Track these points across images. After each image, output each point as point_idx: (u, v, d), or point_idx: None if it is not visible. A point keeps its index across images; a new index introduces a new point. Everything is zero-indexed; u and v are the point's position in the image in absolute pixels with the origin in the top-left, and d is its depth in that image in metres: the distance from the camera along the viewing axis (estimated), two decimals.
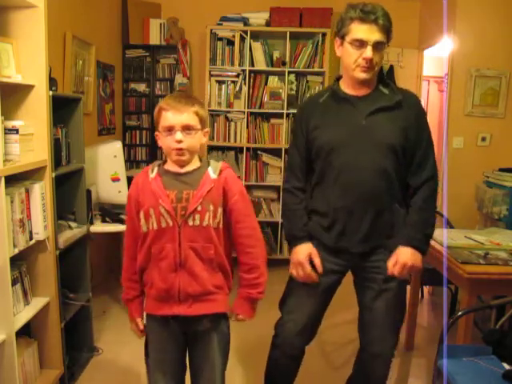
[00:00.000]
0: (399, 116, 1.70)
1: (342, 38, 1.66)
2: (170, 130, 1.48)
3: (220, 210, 1.53)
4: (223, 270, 1.57)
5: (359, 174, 1.68)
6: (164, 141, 1.51)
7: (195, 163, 1.56)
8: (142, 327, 1.63)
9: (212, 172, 1.54)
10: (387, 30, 1.62)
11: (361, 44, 1.61)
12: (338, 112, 1.74)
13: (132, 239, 1.59)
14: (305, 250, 1.75)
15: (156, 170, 1.55)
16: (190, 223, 1.49)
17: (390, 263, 1.70)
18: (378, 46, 1.61)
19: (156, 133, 1.56)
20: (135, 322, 1.64)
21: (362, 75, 1.66)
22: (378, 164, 1.68)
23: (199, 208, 1.48)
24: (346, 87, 1.75)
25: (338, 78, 1.81)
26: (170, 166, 1.56)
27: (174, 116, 1.47)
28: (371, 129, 1.68)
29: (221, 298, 1.57)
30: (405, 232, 1.73)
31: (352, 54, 1.64)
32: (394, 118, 1.69)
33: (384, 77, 1.79)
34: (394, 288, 1.76)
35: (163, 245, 1.50)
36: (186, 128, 1.48)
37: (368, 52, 1.60)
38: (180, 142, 1.47)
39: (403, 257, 1.69)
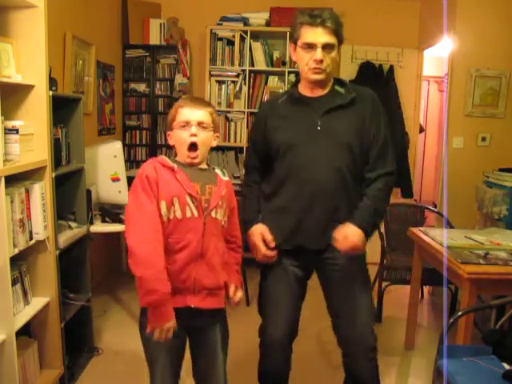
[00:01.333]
0: (354, 113, 1.75)
1: (295, 42, 1.74)
2: (186, 124, 1.55)
3: (227, 209, 1.63)
4: (230, 267, 1.67)
5: (314, 172, 1.72)
6: (178, 135, 1.56)
7: (205, 165, 1.63)
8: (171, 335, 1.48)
9: (221, 174, 1.64)
10: (336, 33, 1.68)
11: (310, 47, 1.68)
12: (295, 113, 1.79)
13: (158, 222, 1.48)
14: (257, 230, 1.80)
15: (172, 162, 1.56)
16: (213, 215, 1.55)
17: (340, 236, 1.69)
18: (327, 48, 1.67)
19: (168, 132, 1.62)
20: (171, 325, 1.46)
21: (315, 77, 1.72)
22: (333, 162, 1.72)
23: (220, 203, 1.57)
24: (302, 89, 1.82)
25: (296, 83, 1.88)
26: (183, 161, 1.59)
27: (190, 111, 1.55)
28: (326, 128, 1.73)
29: (224, 293, 1.63)
30: (357, 213, 1.73)
31: (304, 57, 1.71)
32: (349, 115, 1.74)
33: (340, 78, 1.86)
34: (358, 283, 1.80)
35: (184, 235, 1.51)
36: (201, 124, 1.55)
37: (318, 54, 1.67)
38: (195, 135, 1.54)
39: (353, 235, 1.69)
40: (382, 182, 1.76)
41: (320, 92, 1.78)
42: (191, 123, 1.55)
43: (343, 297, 1.81)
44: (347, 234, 1.69)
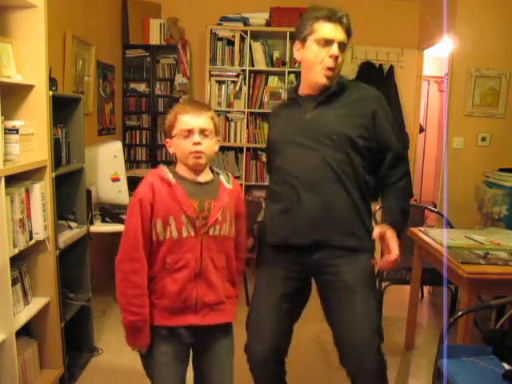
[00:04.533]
0: (348, 104, 1.66)
1: (304, 39, 1.65)
2: (188, 132, 1.48)
3: (233, 219, 1.57)
4: (231, 278, 1.62)
5: (300, 165, 1.64)
6: (180, 145, 1.49)
7: (208, 172, 1.57)
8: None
9: (226, 182, 1.57)
10: (349, 32, 1.64)
11: (327, 42, 1.60)
12: (287, 112, 1.79)
13: (145, 249, 1.47)
14: None
15: (172, 175, 1.50)
16: (211, 233, 1.50)
17: (377, 232, 1.60)
18: (341, 47, 1.62)
19: (167, 140, 1.55)
20: (145, 347, 1.51)
21: (323, 80, 1.63)
22: (320, 157, 1.61)
23: (220, 218, 1.50)
24: (303, 91, 1.74)
25: (299, 84, 1.79)
26: (185, 173, 1.52)
27: (192, 119, 1.48)
28: (315, 121, 1.65)
29: (231, 307, 1.60)
30: (389, 214, 1.69)
31: (318, 53, 1.61)
32: (341, 106, 1.65)
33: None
34: (360, 298, 1.63)
35: (182, 255, 1.47)
36: (204, 131, 1.49)
37: (334, 48, 1.59)
38: (199, 144, 1.47)
39: (395, 241, 1.59)
40: (405, 182, 1.76)
41: (318, 91, 1.69)
42: (194, 131, 1.48)
43: (344, 312, 1.65)
44: (388, 235, 1.59)
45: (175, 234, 1.46)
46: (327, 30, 1.60)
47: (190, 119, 1.48)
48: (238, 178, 4.28)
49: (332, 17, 1.60)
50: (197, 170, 1.52)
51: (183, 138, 1.48)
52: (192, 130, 1.47)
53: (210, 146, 1.51)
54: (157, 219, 1.46)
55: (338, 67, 1.64)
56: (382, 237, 1.61)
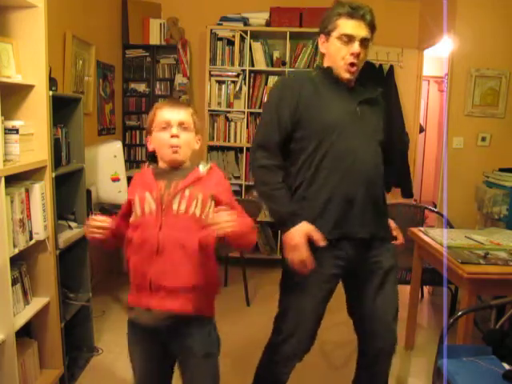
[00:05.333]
0: (380, 109, 1.80)
1: (328, 34, 1.68)
2: (166, 125, 1.48)
3: (210, 201, 1.47)
4: (207, 269, 1.49)
5: (360, 159, 1.66)
6: (158, 138, 1.50)
7: (187, 166, 1.54)
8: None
9: (201, 168, 1.51)
10: (372, 27, 1.66)
11: (349, 39, 1.63)
12: (336, 93, 1.70)
13: (123, 222, 1.55)
14: (301, 230, 1.60)
15: (152, 167, 1.56)
16: (175, 207, 1.44)
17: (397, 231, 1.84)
18: (364, 43, 1.64)
19: (147, 137, 1.55)
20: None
21: (348, 75, 1.68)
22: (373, 151, 1.71)
23: (187, 193, 1.44)
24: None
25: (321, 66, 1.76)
26: (163, 166, 1.55)
27: (170, 112, 1.49)
28: (363, 117, 1.71)
29: (200, 298, 1.47)
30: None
31: (340, 49, 1.65)
32: (377, 110, 1.78)
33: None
34: (392, 280, 1.79)
35: (142, 232, 1.46)
36: (182, 124, 1.49)
37: (356, 47, 1.63)
38: (176, 136, 1.47)
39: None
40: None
41: (349, 83, 1.73)
42: (171, 123, 1.48)
43: (380, 294, 1.76)
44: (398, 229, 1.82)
45: (138, 211, 1.48)
46: (349, 27, 1.62)
47: (168, 113, 1.49)
48: (237, 177, 4.29)
49: (354, 14, 1.62)
50: (174, 165, 1.52)
51: (161, 130, 1.49)
52: (169, 122, 1.48)
53: (189, 140, 1.50)
54: (132, 200, 1.52)
55: (360, 63, 1.67)
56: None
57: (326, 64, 1.74)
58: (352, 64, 1.65)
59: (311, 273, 1.63)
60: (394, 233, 1.83)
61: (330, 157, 1.65)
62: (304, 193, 1.68)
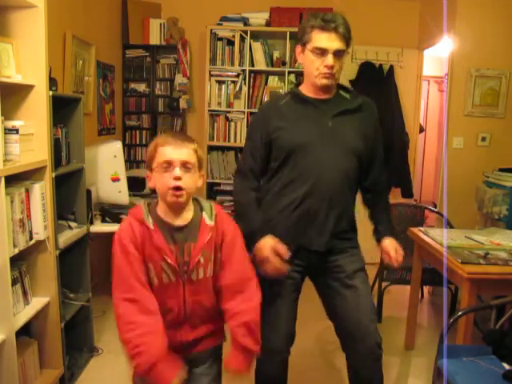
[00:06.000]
0: (360, 120, 1.77)
1: (304, 45, 1.71)
2: (168, 165, 1.36)
3: (218, 257, 1.47)
4: (216, 310, 1.52)
5: (328, 173, 1.71)
6: (159, 179, 1.38)
7: (190, 208, 1.46)
8: None
9: (208, 218, 1.45)
10: (347, 38, 1.67)
11: (322, 52, 1.65)
12: (302, 113, 1.75)
13: (147, 288, 1.38)
14: (268, 244, 1.69)
15: (151, 219, 1.41)
16: (194, 278, 1.42)
17: (392, 252, 1.78)
18: (338, 54, 1.66)
19: (147, 173, 1.44)
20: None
21: (324, 81, 1.70)
22: (343, 165, 1.73)
23: (202, 260, 1.42)
24: (307, 92, 1.78)
25: (297, 85, 1.85)
26: (165, 215, 1.43)
27: (173, 151, 1.36)
28: (337, 130, 1.73)
29: (221, 329, 1.56)
30: (383, 226, 1.87)
31: (314, 62, 1.68)
32: (356, 121, 1.76)
33: (344, 84, 1.86)
34: (359, 281, 1.78)
35: (165, 300, 1.41)
36: (185, 164, 1.37)
37: (329, 59, 1.65)
38: (179, 178, 1.35)
39: (397, 245, 1.80)
40: (386, 195, 1.93)
41: (326, 95, 1.76)
42: (174, 164, 1.36)
43: (348, 297, 1.77)
44: (397, 247, 1.79)
45: (156, 281, 1.40)
46: (322, 39, 1.65)
47: (170, 151, 1.36)
48: None
49: (326, 26, 1.64)
50: (176, 208, 1.42)
51: (163, 170, 1.37)
52: (172, 162, 1.36)
53: (192, 181, 1.39)
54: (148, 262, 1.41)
55: (336, 73, 1.70)
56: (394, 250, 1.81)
57: (304, 73, 1.79)
58: (326, 73, 1.68)
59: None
60: (392, 252, 1.79)
61: (298, 173, 1.72)
62: (269, 207, 1.79)
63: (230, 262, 1.47)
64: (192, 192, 1.41)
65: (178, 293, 1.42)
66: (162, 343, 1.34)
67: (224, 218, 1.50)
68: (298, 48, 1.75)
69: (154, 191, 1.44)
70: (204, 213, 1.46)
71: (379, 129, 1.85)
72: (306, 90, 1.79)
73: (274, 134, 1.75)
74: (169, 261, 1.38)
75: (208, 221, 1.44)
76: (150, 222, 1.39)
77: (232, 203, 4.07)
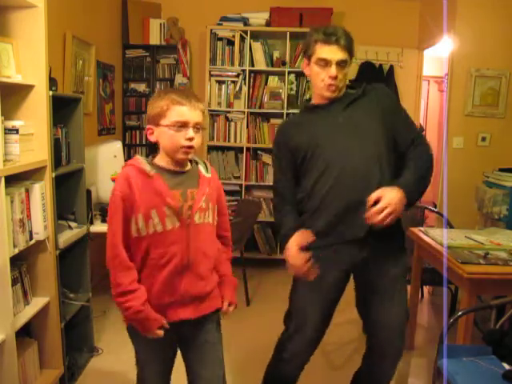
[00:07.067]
0: (368, 102, 1.79)
1: (309, 58, 1.78)
2: (183, 125, 1.41)
3: (216, 207, 1.55)
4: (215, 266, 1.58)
5: (350, 161, 1.70)
6: (171, 137, 1.41)
7: (187, 163, 1.54)
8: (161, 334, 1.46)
9: (204, 171, 1.54)
10: (349, 49, 1.74)
11: (325, 63, 1.72)
12: (312, 119, 1.82)
13: (125, 246, 1.44)
14: (293, 241, 1.71)
15: (150, 166, 1.45)
16: (197, 221, 1.46)
17: (373, 195, 1.57)
18: (341, 64, 1.72)
19: (150, 127, 1.46)
20: (157, 332, 1.45)
21: (329, 94, 1.76)
22: (366, 150, 1.72)
23: (203, 205, 1.47)
24: (316, 101, 1.85)
25: (309, 100, 1.91)
26: (166, 164, 1.48)
27: (189, 112, 1.41)
28: (350, 122, 1.75)
29: (217, 292, 1.57)
30: (401, 178, 1.68)
31: (318, 73, 1.75)
32: (365, 105, 1.78)
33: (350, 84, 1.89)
34: (400, 288, 1.81)
35: (167, 248, 1.42)
36: (197, 125, 1.44)
37: (333, 70, 1.71)
38: (192, 139, 1.42)
39: (390, 195, 1.56)
40: (424, 149, 1.76)
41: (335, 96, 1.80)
42: (190, 124, 1.41)
43: (385, 297, 1.79)
44: (383, 194, 1.56)
45: (159, 228, 1.41)
46: (325, 52, 1.72)
47: (187, 112, 1.41)
48: (237, 178, 4.29)
49: (328, 40, 1.71)
50: (181, 162, 1.49)
51: (175, 129, 1.41)
52: (188, 123, 1.41)
53: (200, 140, 1.47)
54: (138, 214, 1.41)
55: (340, 82, 1.74)
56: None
57: (311, 84, 1.86)
58: (331, 84, 1.73)
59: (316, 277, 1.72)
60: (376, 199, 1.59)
61: (320, 171, 1.74)
62: (306, 208, 1.80)
63: (225, 214, 1.63)
64: (198, 149, 1.48)
65: (181, 237, 1.43)
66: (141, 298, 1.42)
67: (215, 174, 1.61)
68: (305, 61, 1.82)
69: (154, 144, 1.47)
70: (200, 166, 1.55)
71: (393, 100, 1.85)
72: (315, 99, 1.85)
73: (292, 143, 1.81)
74: (171, 203, 1.41)
75: (205, 173, 1.53)
76: (149, 169, 1.44)
77: (233, 203, 4.10)
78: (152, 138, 1.46)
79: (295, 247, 1.69)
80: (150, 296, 1.44)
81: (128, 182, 1.42)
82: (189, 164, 1.54)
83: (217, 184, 1.58)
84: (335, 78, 1.71)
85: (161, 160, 1.50)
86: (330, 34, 1.71)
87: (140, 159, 1.47)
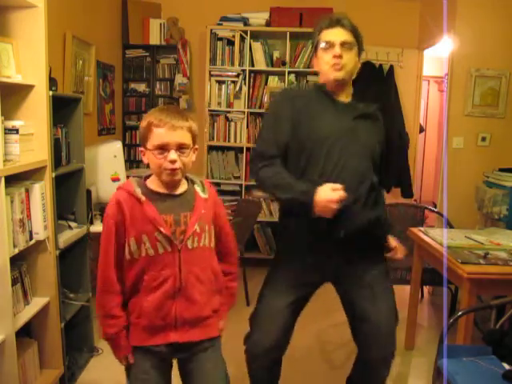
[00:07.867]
0: (376, 127, 1.82)
1: (316, 49, 1.77)
2: (163, 148, 1.36)
3: (212, 228, 1.51)
4: (219, 289, 1.54)
5: (354, 163, 1.71)
6: (154, 160, 1.38)
7: (183, 182, 1.49)
8: (132, 362, 1.47)
9: (201, 191, 1.49)
10: (354, 33, 1.72)
11: (329, 45, 1.71)
12: (326, 109, 1.75)
13: (115, 270, 1.43)
14: (325, 189, 1.59)
15: (141, 190, 1.42)
16: (190, 246, 1.42)
17: (395, 243, 1.83)
18: (345, 46, 1.70)
19: (141, 149, 1.43)
20: (125, 359, 1.48)
21: (335, 74, 1.71)
22: (363, 165, 1.73)
23: (197, 229, 1.43)
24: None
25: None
26: (158, 187, 1.45)
27: (167, 133, 1.35)
28: (357, 131, 1.74)
29: (215, 321, 1.53)
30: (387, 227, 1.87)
31: (324, 57, 1.73)
32: (371, 127, 1.80)
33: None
34: (385, 288, 1.80)
35: (159, 272, 1.40)
36: (181, 147, 1.37)
37: (336, 49, 1.69)
38: (174, 161, 1.36)
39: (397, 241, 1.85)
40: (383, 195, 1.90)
41: (344, 98, 1.78)
42: (170, 147, 1.35)
43: (370, 298, 1.76)
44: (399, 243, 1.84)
45: (151, 252, 1.40)
46: (328, 34, 1.72)
47: (165, 134, 1.35)
48: (237, 178, 4.29)
49: (332, 23, 1.72)
50: (171, 185, 1.44)
51: (157, 153, 1.36)
52: (167, 145, 1.35)
53: (187, 160, 1.40)
54: (130, 238, 1.40)
55: (346, 65, 1.70)
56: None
57: (320, 81, 1.82)
58: (336, 65, 1.70)
59: (284, 275, 1.85)
60: (395, 244, 1.85)
61: (318, 171, 1.69)
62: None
63: (221, 234, 1.56)
64: (187, 169, 1.43)
65: (173, 262, 1.41)
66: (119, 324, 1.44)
67: (213, 192, 1.55)
68: (314, 57, 1.81)
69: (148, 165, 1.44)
70: (196, 186, 1.50)
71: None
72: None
73: (299, 124, 1.71)
74: (163, 231, 1.38)
75: (202, 194, 1.48)
76: (140, 195, 1.40)
77: (233, 203, 4.09)
78: (145, 160, 1.44)
79: (330, 192, 1.58)
80: (141, 317, 1.43)
81: (119, 207, 1.41)
82: (185, 184, 1.49)
83: (214, 200, 1.53)
84: (339, 56, 1.68)
85: (153, 182, 1.46)
86: (334, 19, 1.73)
87: (132, 183, 1.44)
